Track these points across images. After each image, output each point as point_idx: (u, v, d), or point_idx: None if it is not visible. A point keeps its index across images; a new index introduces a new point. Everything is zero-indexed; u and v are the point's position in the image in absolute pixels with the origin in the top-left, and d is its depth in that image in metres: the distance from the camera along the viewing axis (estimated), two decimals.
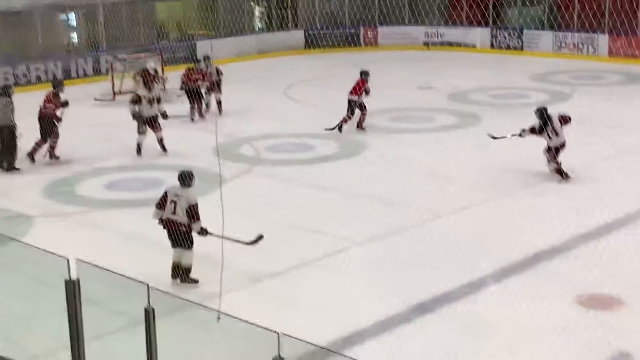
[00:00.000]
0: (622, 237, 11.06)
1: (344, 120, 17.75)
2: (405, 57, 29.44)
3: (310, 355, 5.53)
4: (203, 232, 9.84)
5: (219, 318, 5.85)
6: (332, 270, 10.34)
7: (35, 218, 12.66)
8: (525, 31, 29.82)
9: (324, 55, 30.82)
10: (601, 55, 27.73)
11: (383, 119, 19.22)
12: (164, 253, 10.90)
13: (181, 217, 9.81)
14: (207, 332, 6.25)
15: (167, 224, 9.98)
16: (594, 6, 26.91)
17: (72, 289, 6.46)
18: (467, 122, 18.65)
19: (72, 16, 29.03)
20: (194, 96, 19.32)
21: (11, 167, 15.26)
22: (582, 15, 28.07)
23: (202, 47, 28.07)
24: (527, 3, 30.22)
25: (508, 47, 30.17)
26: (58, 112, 15.76)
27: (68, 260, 6.42)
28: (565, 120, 13.74)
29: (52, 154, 15.86)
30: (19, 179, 14.91)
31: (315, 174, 14.75)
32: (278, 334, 5.13)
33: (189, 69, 19.83)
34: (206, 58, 20.22)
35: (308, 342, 5.54)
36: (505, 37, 30.32)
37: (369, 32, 32.46)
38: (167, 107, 16.91)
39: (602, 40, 27.77)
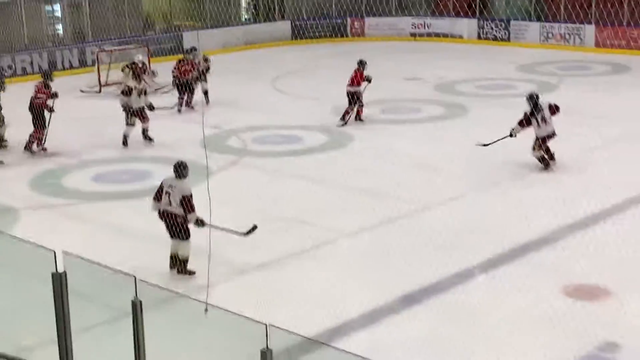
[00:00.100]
0: (608, 227, 11.11)
1: (347, 112, 17.70)
2: (392, 48, 29.43)
3: (299, 346, 5.53)
4: (199, 223, 9.84)
5: (206, 310, 5.84)
6: (320, 261, 10.35)
7: (21, 210, 12.60)
8: (512, 22, 29.86)
9: (311, 46, 30.78)
10: (588, 45, 27.80)
11: (370, 110, 19.18)
12: (151, 245, 10.90)
13: (176, 208, 9.80)
14: (194, 324, 6.24)
15: (163, 215, 9.97)
16: None
17: (59, 282, 6.43)
18: (455, 113, 18.67)
19: (57, 7, 28.85)
20: (185, 88, 19.33)
21: None
22: (569, 6, 28.13)
23: (189, 39, 28.01)
24: None
25: (495, 38, 30.21)
26: (49, 102, 15.73)
27: (55, 253, 6.39)
28: (555, 110, 13.78)
29: (40, 144, 15.78)
30: (4, 172, 14.83)
31: (302, 166, 14.74)
32: (266, 325, 5.12)
33: (179, 61, 19.76)
34: (192, 49, 20.20)
35: (296, 334, 5.54)
36: (492, 28, 30.35)
37: (355, 23, 32.42)
38: (152, 99, 16.87)
39: (589, 31, 27.83)
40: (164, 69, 21.31)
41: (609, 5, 26.25)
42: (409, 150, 15.43)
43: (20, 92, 16.39)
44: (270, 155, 15.67)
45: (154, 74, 20.73)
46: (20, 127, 15.86)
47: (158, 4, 31.54)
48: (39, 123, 15.64)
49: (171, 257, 10.03)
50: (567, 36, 28.40)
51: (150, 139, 16.50)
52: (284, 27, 32.02)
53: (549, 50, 27.99)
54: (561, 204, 11.77)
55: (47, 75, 16.17)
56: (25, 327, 7.55)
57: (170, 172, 10.24)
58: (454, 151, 14.91)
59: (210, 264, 9.75)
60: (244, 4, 34.18)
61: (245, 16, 34.40)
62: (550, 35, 28.83)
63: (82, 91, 22.10)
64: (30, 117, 15.66)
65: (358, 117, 17.84)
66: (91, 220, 12.20)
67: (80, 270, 6.65)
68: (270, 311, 8.63)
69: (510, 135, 13.87)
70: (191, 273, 9.94)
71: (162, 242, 10.95)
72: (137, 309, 6.01)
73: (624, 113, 17.28)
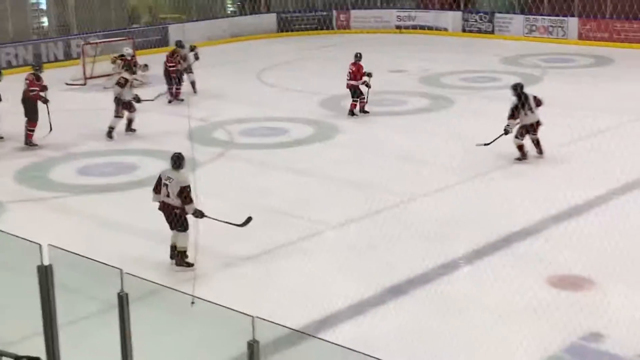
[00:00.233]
0: (592, 218, 11.19)
1: (353, 106, 17.72)
2: (377, 40, 29.44)
3: (285, 338, 5.55)
4: (197, 214, 9.85)
5: (193, 302, 5.85)
6: (306, 253, 10.37)
7: (6, 204, 12.55)
8: (496, 15, 29.93)
9: (297, 38, 30.77)
10: (571, 38, 27.92)
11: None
12: (138, 238, 10.91)
13: (174, 199, 9.81)
14: (181, 317, 6.25)
15: (162, 207, 9.98)
16: None
17: (45, 275, 6.43)
18: (440, 105, 18.73)
19: (42, 0, 28.70)
20: (173, 79, 19.40)
21: None
22: None
23: (174, 31, 27.93)
24: None
25: (479, 31, 30.27)
26: (42, 94, 15.75)
27: (40, 246, 6.39)
28: (539, 102, 13.92)
29: (28, 139, 15.75)
30: None
31: (289, 158, 14.75)
32: (253, 317, 5.14)
33: (172, 53, 19.74)
34: (179, 42, 20.26)
35: (283, 326, 5.56)
36: (476, 21, 30.41)
37: (341, 16, 32.41)
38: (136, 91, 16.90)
39: (572, 24, 27.94)
40: (149, 62, 21.26)
41: None
42: (394, 142, 15.47)
43: (5, 85, 16.30)
44: (257, 147, 15.67)
45: (146, 67, 20.72)
46: (7, 120, 15.82)
47: None
48: (34, 116, 15.62)
49: (171, 248, 10.06)
50: (550, 29, 28.49)
51: (133, 130, 16.52)
52: (269, 19, 31.97)
53: (532, 43, 28.09)
54: (545, 195, 11.84)
55: (38, 67, 16.15)
56: (11, 320, 7.54)
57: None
58: (439, 143, 14.96)
59: (197, 255, 9.81)
60: None
61: (231, 8, 34.32)
62: (533, 27, 28.91)
63: (67, 84, 22.02)
64: (20, 110, 15.63)
65: (362, 109, 17.84)
66: (77, 213, 12.18)
67: (66, 263, 6.65)
68: (257, 303, 8.66)
69: (506, 132, 13.90)
70: (189, 265, 9.95)
71: (148, 234, 10.98)
72: (123, 302, 6.01)
73: (606, 105, 17.37)
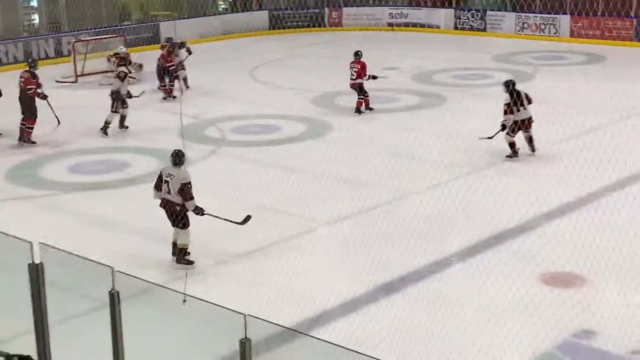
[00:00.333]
0: (584, 215, 11.21)
1: (360, 103, 17.77)
2: (369, 38, 29.42)
3: (278, 336, 5.54)
4: (198, 211, 9.83)
5: (184, 301, 5.83)
6: (298, 251, 10.36)
7: None
8: (488, 12, 29.95)
9: (289, 36, 30.72)
10: (563, 36, 27.95)
11: (348, 99, 19.22)
12: (129, 235, 10.88)
13: (174, 196, 9.78)
14: (173, 315, 6.23)
15: (164, 204, 9.95)
16: None
17: (36, 273, 6.40)
18: (432, 103, 18.74)
19: None
20: (172, 77, 19.51)
21: None
22: None
23: (165, 28, 27.85)
24: None
25: (471, 28, 30.28)
26: (39, 91, 15.78)
27: (31, 244, 6.36)
28: (530, 100, 13.99)
29: (26, 137, 15.73)
30: None
31: (281, 155, 14.73)
32: (244, 315, 5.13)
33: (169, 52, 19.74)
34: (169, 40, 20.28)
35: (275, 324, 5.55)
36: (468, 19, 30.42)
37: (333, 13, 32.38)
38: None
39: (564, 21, 27.97)
40: (140, 59, 21.23)
41: None
42: (387, 139, 15.47)
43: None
44: (249, 144, 15.64)
45: (140, 67, 20.70)
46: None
47: None
48: (32, 113, 15.62)
49: (173, 245, 10.04)
50: (542, 26, 28.52)
51: (126, 127, 16.55)
52: (261, 17, 31.92)
53: (524, 40, 28.13)
54: (537, 192, 11.85)
55: (33, 65, 16.14)
56: (1, 319, 7.51)
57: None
58: (431, 140, 14.93)
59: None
60: None
61: (223, 6, 34.26)
62: (525, 25, 28.94)
63: (58, 81, 21.94)
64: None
65: (368, 106, 17.85)
66: (68, 211, 12.14)
67: (57, 262, 6.62)
68: (249, 301, 8.65)
69: (503, 128, 13.94)
70: (189, 263, 9.92)
71: (139, 232, 10.95)
72: (114, 300, 5.99)
73: (598, 102, 17.39)
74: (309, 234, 10.95)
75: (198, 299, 5.83)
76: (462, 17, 30.56)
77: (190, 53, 20.18)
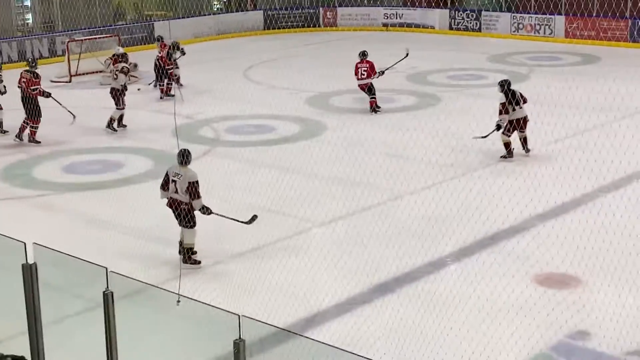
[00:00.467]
0: (578, 216, 11.22)
1: (373, 102, 17.83)
2: (364, 38, 29.42)
3: (272, 336, 5.52)
4: (205, 210, 9.82)
5: (178, 301, 5.82)
6: (293, 251, 10.35)
7: None
8: (483, 13, 29.99)
9: (283, 36, 30.71)
10: (558, 36, 28.00)
11: (343, 99, 19.24)
12: (123, 235, 10.85)
13: (182, 195, 9.77)
14: (167, 316, 6.21)
15: (171, 203, 9.94)
16: None
17: (29, 273, 6.38)
18: (427, 103, 18.75)
19: None
20: (171, 78, 19.63)
21: None
22: None
23: (160, 28, 27.80)
24: None
25: (466, 29, 30.31)
26: (42, 89, 15.86)
27: (25, 245, 6.34)
28: (525, 100, 14.03)
29: (31, 137, 15.76)
30: None
31: (275, 155, 14.71)
32: (239, 316, 5.11)
33: (169, 55, 19.84)
34: (160, 38, 20.36)
35: (269, 324, 5.54)
36: (463, 19, 30.45)
37: (328, 13, 32.39)
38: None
39: (559, 22, 28.02)
40: (134, 59, 21.19)
41: None
42: (382, 139, 15.46)
43: None
44: (243, 145, 15.63)
45: (135, 66, 20.71)
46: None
47: None
48: (36, 113, 15.64)
49: (179, 244, 10.03)
50: (537, 27, 28.57)
51: (124, 126, 16.68)
52: (256, 16, 31.91)
53: (519, 41, 28.16)
54: (532, 193, 11.85)
55: (33, 64, 16.19)
56: None
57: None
58: (426, 140, 14.93)
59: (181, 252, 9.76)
60: None
61: (217, 5, 34.22)
62: (520, 26, 28.98)
63: (52, 81, 21.88)
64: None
65: (375, 106, 17.89)
66: (62, 211, 12.11)
67: (51, 262, 6.60)
68: (243, 301, 8.65)
69: (498, 128, 13.96)
70: (196, 262, 9.91)
71: (134, 232, 10.93)
72: (108, 300, 5.97)
73: (593, 103, 17.39)
74: (304, 234, 10.94)
75: (192, 299, 5.82)
76: (457, 18, 30.59)
77: (183, 53, 20.24)
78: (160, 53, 19.79)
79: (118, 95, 16.37)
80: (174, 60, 19.91)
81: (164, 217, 10.87)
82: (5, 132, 16.35)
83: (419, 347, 7.80)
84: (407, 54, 18.77)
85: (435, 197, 11.91)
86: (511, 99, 13.76)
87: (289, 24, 31.87)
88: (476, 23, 30.06)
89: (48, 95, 15.83)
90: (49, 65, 23.67)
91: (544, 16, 28.17)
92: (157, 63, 19.68)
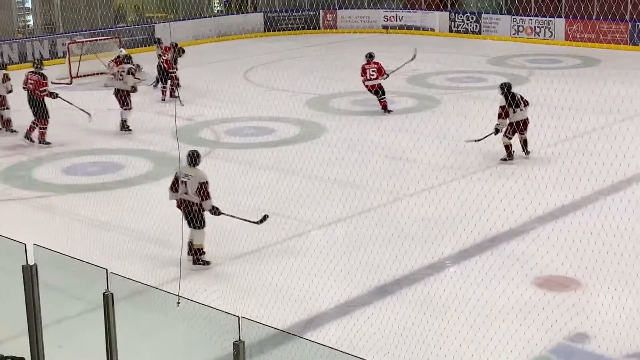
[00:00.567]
0: (578, 219, 11.22)
1: (384, 103, 17.93)
2: (364, 40, 29.44)
3: (271, 338, 5.53)
4: (214, 210, 9.87)
5: (178, 303, 5.83)
6: (292, 253, 10.36)
7: None
8: (483, 15, 30.00)
9: (284, 38, 30.73)
10: (558, 39, 28.02)
11: (343, 102, 19.26)
12: (123, 237, 10.86)
13: (192, 196, 9.80)
14: (167, 317, 6.22)
15: (181, 204, 9.96)
16: None
17: (30, 275, 6.39)
18: (426, 105, 18.76)
19: None
20: (172, 81, 19.73)
21: None
22: (539, 0, 28.32)
23: (160, 30, 27.83)
24: None
25: (466, 31, 30.33)
26: (51, 90, 15.95)
27: (25, 246, 6.35)
28: (526, 102, 14.05)
29: (41, 138, 15.81)
30: None
31: (275, 157, 14.72)
32: (238, 317, 5.12)
33: (175, 59, 19.98)
34: (159, 41, 20.43)
35: (269, 326, 5.55)
36: (463, 21, 30.47)
37: (328, 15, 32.41)
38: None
39: (559, 25, 28.05)
40: (139, 61, 21.21)
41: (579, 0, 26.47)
42: (381, 141, 15.47)
43: None
44: (243, 147, 15.64)
45: (139, 67, 20.77)
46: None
47: None
48: (45, 114, 15.71)
49: (188, 245, 10.06)
50: (537, 29, 28.59)
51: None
52: (256, 19, 31.93)
53: (519, 44, 28.17)
54: (532, 195, 11.86)
55: (40, 66, 16.28)
56: None
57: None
58: (425, 143, 14.93)
59: (182, 255, 9.78)
60: None
61: (218, 8, 34.25)
62: (520, 28, 29.00)
63: (53, 83, 21.86)
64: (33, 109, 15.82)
65: (384, 107, 17.94)
66: (62, 213, 12.11)
67: (51, 263, 6.61)
68: (242, 303, 8.65)
69: (496, 132, 13.97)
70: (205, 263, 9.95)
71: (134, 234, 10.94)
72: (108, 301, 5.98)
73: (593, 106, 17.41)
74: (303, 236, 10.95)
75: (192, 300, 5.83)
76: (457, 20, 30.61)
77: (183, 52, 20.42)
78: (164, 56, 19.87)
79: (125, 95, 16.43)
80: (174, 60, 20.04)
81: (164, 218, 10.90)
82: (14, 131, 16.43)
83: (418, 350, 7.80)
84: (415, 56, 18.80)
85: (435, 200, 11.93)
86: (511, 101, 13.77)
87: (289, 26, 31.90)
88: (476, 25, 30.09)
89: (56, 96, 15.88)
90: (49, 66, 23.52)
91: (544, 19, 28.20)
92: (161, 66, 19.76)
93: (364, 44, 28.12)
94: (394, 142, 15.34)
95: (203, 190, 9.78)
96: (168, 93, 19.75)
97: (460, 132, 14.93)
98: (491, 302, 8.82)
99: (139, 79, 17.60)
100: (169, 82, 19.74)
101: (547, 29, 28.33)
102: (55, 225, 11.44)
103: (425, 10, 31.39)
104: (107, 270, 5.97)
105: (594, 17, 26.97)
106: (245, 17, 31.82)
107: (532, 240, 10.58)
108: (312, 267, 9.73)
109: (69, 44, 23.34)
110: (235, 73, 23.43)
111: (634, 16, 26.96)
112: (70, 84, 21.94)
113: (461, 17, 30.53)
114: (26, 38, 26.75)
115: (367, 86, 17.95)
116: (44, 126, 15.70)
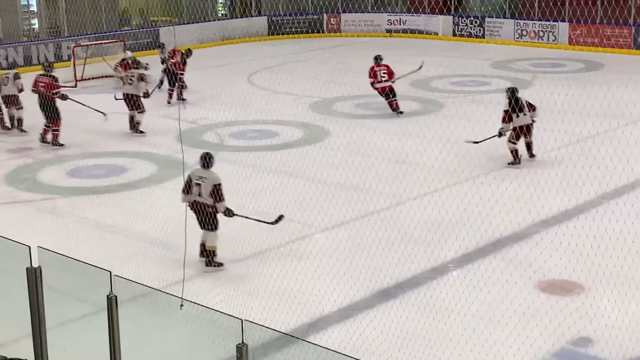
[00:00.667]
0: (581, 223, 11.21)
1: (397, 104, 17.98)
2: (368, 44, 29.47)
3: (274, 341, 5.55)
4: (228, 212, 9.92)
5: (181, 305, 5.84)
6: (296, 256, 10.37)
7: None
8: (486, 19, 30.02)
9: (287, 41, 30.76)
10: (562, 43, 28.02)
11: (346, 105, 19.28)
12: (127, 239, 10.88)
13: (206, 198, 9.83)
14: (170, 319, 6.24)
15: (194, 206, 9.98)
16: None
17: (34, 277, 6.41)
18: (430, 109, 18.78)
19: (32, 1, 28.63)
20: (178, 84, 19.81)
21: None
22: (543, 4, 28.35)
23: (165, 34, 27.89)
24: None
25: (470, 35, 30.34)
26: (63, 92, 16.15)
27: (30, 248, 6.37)
28: (533, 107, 14.07)
29: (54, 139, 15.88)
30: None
31: (279, 160, 14.73)
32: (242, 320, 5.14)
33: (184, 61, 20.03)
34: (162, 45, 20.48)
35: (272, 329, 5.56)
36: (467, 25, 30.48)
37: (332, 19, 32.44)
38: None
39: (563, 29, 28.04)
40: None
41: (583, 3, 26.50)
42: (384, 145, 15.47)
43: None
44: (247, 150, 15.66)
45: (146, 67, 20.86)
46: None
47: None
48: (56, 116, 15.82)
49: (200, 247, 10.08)
50: (541, 33, 28.59)
51: (137, 129, 16.89)
52: (260, 22, 31.97)
53: (523, 48, 28.18)
54: (535, 199, 11.87)
55: (49, 68, 16.46)
56: (0, 323, 7.52)
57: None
58: (428, 146, 14.97)
59: (185, 257, 9.78)
60: None
61: (222, 11, 34.30)
62: (524, 32, 29.00)
63: None
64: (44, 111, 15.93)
65: (395, 109, 18.04)
66: (67, 215, 12.14)
67: (56, 266, 6.63)
68: (246, 306, 8.67)
69: (500, 135, 14.00)
70: (218, 265, 9.99)
71: (138, 236, 10.96)
72: (112, 304, 6.00)
73: (596, 110, 17.42)
74: (307, 239, 10.96)
75: (195, 303, 5.84)
76: (460, 24, 30.63)
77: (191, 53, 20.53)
78: (174, 59, 19.92)
79: (136, 99, 16.51)
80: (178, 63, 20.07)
81: (167, 221, 10.93)
82: (24, 131, 16.53)
83: (421, 353, 7.81)
84: (421, 67, 18.80)
85: (438, 203, 11.94)
86: (514, 105, 13.78)
87: (293, 29, 31.94)
88: (480, 29, 30.10)
89: (66, 98, 15.98)
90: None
91: (547, 23, 28.20)
92: (170, 68, 19.79)
93: (368, 48, 28.13)
94: (398, 146, 15.35)
95: (217, 192, 9.82)
96: (175, 96, 19.77)
97: (464, 136, 14.95)
98: (494, 305, 8.83)
99: (149, 82, 17.68)
100: (176, 84, 19.75)
101: (550, 33, 28.33)
102: (59, 228, 11.47)
103: (429, 14, 31.41)
104: (110, 272, 5.99)
105: (597, 22, 26.97)
106: (249, 21, 31.86)
107: (536, 244, 10.59)
108: (315, 270, 9.74)
109: (74, 47, 23.41)
110: (239, 76, 23.47)
111: (638, 20, 26.97)
112: (75, 86, 21.96)
113: (465, 21, 30.54)
114: (31, 41, 26.82)
115: (377, 88, 17.95)
116: (57, 128, 15.79)
